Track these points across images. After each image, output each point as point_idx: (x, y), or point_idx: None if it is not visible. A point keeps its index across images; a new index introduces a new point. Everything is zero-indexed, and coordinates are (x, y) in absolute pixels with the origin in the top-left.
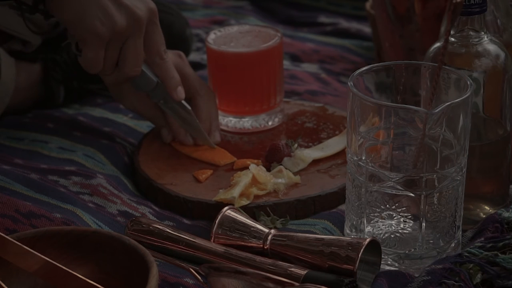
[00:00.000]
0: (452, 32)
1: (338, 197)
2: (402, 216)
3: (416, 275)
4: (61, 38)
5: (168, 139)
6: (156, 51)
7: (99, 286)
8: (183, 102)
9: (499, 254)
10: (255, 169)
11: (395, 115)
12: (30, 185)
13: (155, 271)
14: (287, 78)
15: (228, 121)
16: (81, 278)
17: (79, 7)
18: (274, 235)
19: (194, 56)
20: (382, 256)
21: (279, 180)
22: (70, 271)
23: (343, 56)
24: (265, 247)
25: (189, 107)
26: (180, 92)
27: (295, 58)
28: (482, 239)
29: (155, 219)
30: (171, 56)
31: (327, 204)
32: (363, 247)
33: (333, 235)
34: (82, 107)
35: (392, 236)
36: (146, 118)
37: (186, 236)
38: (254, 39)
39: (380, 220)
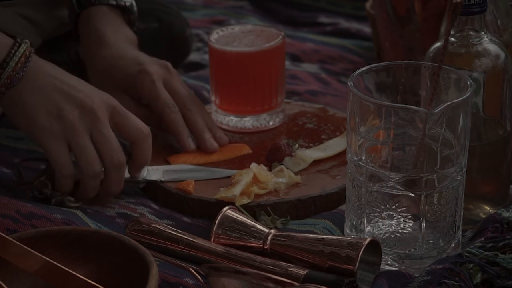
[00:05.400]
0: (452, 32)
1: (339, 197)
2: (402, 216)
3: (416, 275)
4: (61, 38)
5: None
6: (135, 138)
7: (99, 286)
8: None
9: (499, 254)
10: (256, 168)
11: (395, 115)
12: None
13: (155, 271)
14: (287, 78)
15: (229, 120)
16: (81, 278)
17: (30, 108)
18: (274, 235)
19: (194, 56)
20: (382, 256)
21: (280, 180)
22: (70, 271)
23: (343, 56)
24: (265, 247)
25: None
26: (140, 174)
27: (295, 58)
28: (482, 239)
29: (155, 218)
30: (158, 70)
31: (327, 204)
32: (363, 247)
33: (333, 235)
34: None
35: (392, 236)
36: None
37: (186, 236)
38: (256, 39)
39: (380, 220)
